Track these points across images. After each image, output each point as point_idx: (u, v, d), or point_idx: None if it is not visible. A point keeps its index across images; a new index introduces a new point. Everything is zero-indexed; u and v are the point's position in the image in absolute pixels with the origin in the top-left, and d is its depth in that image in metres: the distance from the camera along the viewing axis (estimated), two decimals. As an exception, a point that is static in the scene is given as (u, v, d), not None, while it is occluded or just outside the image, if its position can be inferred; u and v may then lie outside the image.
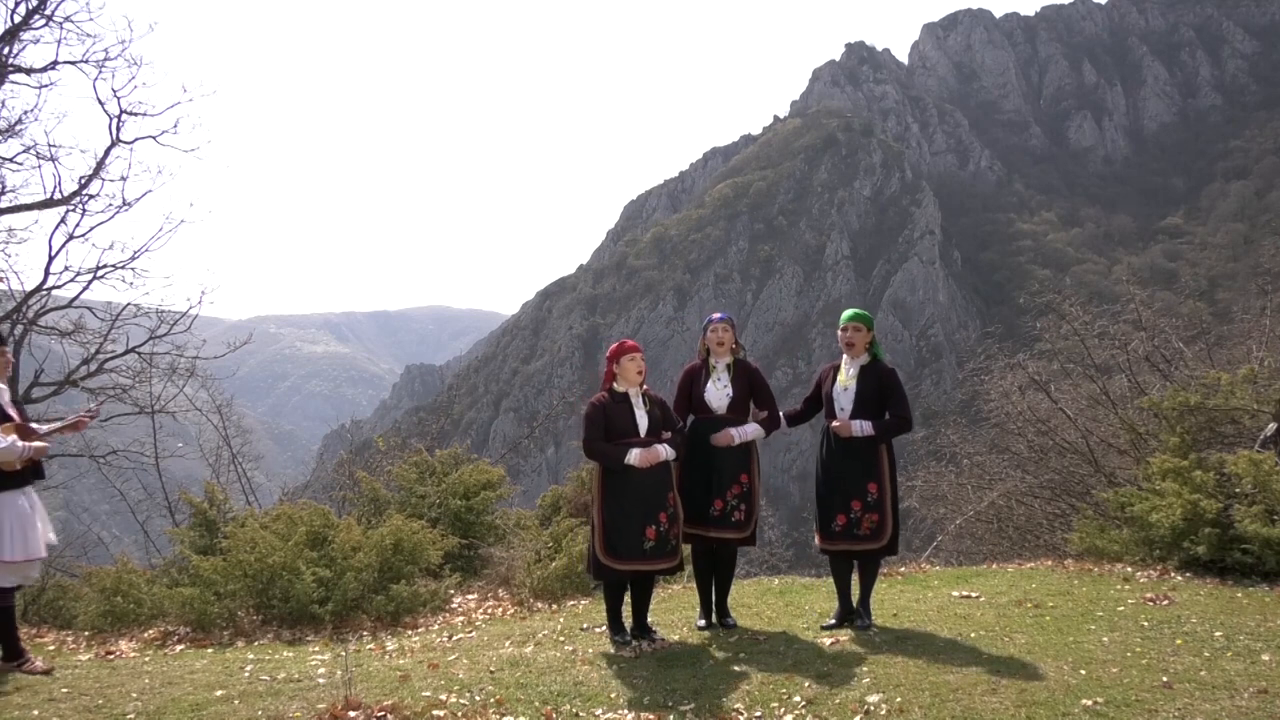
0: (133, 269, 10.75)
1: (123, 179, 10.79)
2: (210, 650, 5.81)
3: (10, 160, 10.19)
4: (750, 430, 5.51)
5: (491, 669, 4.85)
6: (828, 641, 5.22)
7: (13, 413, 5.15)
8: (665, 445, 5.22)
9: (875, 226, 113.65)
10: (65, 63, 10.31)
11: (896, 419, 5.45)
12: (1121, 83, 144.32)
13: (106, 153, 10.59)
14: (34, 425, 5.29)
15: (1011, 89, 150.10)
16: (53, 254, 10.42)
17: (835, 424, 5.51)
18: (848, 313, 5.66)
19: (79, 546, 12.15)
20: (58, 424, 5.46)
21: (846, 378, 5.56)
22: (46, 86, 10.47)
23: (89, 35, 10.76)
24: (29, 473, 5.09)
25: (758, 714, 4.09)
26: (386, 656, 5.41)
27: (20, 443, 4.98)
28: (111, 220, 10.88)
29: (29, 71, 10.28)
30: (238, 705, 4.32)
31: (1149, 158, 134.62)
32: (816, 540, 5.68)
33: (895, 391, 5.49)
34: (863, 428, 5.41)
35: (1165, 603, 5.98)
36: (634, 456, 5.09)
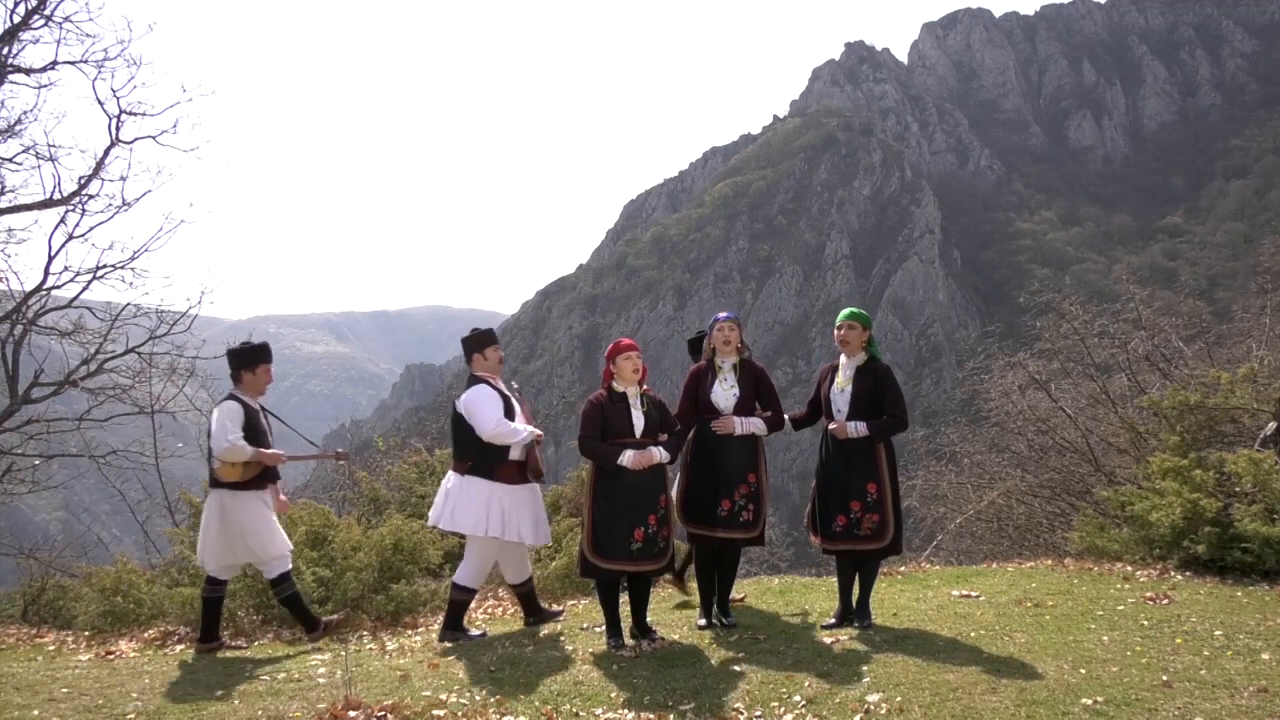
0: (133, 269, 10.68)
1: (122, 179, 10.69)
2: (210, 650, 5.80)
3: (10, 160, 10.14)
4: (753, 423, 5.47)
5: (491, 669, 4.85)
6: (828, 640, 5.22)
7: None
8: (660, 448, 5.21)
9: (875, 226, 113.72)
10: (65, 63, 10.25)
11: (891, 418, 5.46)
12: (1121, 82, 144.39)
13: (106, 153, 10.54)
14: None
15: (1011, 88, 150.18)
16: (52, 254, 10.37)
17: (832, 426, 5.53)
18: (844, 312, 5.69)
19: (79, 546, 12.12)
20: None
21: (844, 379, 5.57)
22: (46, 86, 10.42)
23: (88, 35, 10.69)
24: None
25: (758, 713, 4.09)
26: (386, 656, 5.41)
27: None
28: (111, 220, 10.82)
29: (28, 71, 10.23)
30: (238, 705, 4.32)
31: (1149, 157, 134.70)
32: (816, 540, 5.67)
33: (891, 390, 5.50)
34: (858, 429, 5.42)
35: (1165, 602, 5.98)
36: (627, 458, 5.09)
